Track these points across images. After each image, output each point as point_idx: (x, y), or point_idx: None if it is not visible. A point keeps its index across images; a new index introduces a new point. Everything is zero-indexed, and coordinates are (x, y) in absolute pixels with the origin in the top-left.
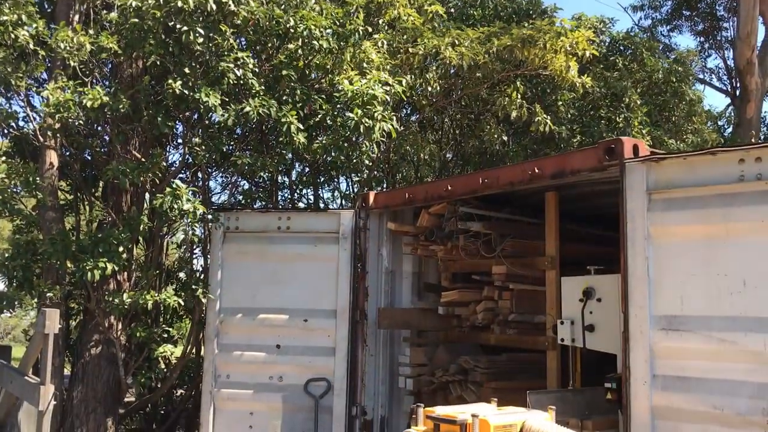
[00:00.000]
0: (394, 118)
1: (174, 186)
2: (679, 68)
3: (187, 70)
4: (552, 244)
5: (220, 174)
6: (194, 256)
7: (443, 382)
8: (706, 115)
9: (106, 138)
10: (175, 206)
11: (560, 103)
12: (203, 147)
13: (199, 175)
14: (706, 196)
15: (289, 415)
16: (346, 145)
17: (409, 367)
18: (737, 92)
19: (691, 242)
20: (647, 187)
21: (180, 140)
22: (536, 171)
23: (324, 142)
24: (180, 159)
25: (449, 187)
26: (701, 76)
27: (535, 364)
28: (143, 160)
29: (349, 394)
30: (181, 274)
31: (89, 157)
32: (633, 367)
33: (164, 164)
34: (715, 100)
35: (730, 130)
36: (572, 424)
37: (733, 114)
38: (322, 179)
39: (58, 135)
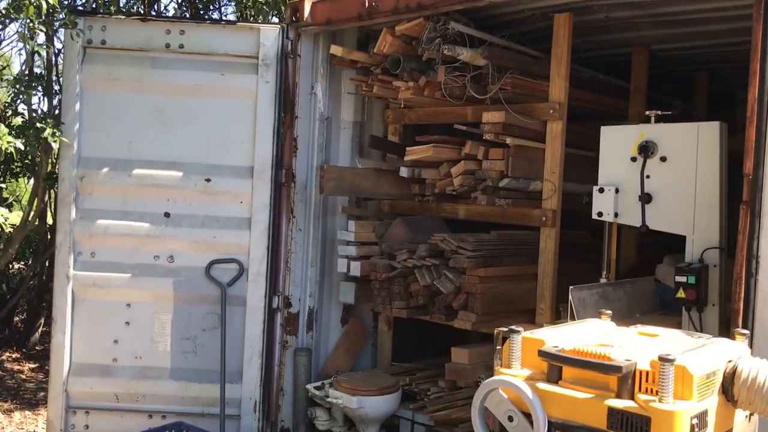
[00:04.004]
0: None
1: None
2: None
3: None
4: (560, 86)
5: None
6: (35, 93)
7: (408, 268)
8: None
9: None
10: None
11: None
12: None
13: None
14: None
15: (183, 307)
16: None
17: (354, 247)
18: None
19: None
20: None
21: None
22: None
23: None
24: None
25: None
26: None
27: (523, 244)
28: None
29: (270, 280)
30: (18, 119)
31: None
32: (765, 257)
33: None
34: None
35: None
36: None
37: None
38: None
39: None
